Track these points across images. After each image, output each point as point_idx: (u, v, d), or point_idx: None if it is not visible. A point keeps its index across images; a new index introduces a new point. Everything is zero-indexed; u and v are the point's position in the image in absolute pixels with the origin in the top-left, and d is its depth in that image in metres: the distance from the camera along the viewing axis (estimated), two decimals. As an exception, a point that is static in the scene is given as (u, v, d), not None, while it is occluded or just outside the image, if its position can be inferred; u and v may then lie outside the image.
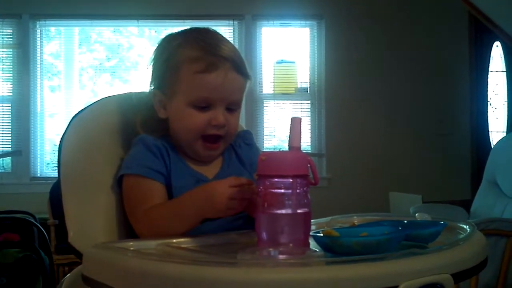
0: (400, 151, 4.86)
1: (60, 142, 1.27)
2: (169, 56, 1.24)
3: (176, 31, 1.30)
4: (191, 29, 1.30)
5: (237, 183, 1.05)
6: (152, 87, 1.28)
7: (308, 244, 0.92)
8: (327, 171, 4.78)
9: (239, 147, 1.35)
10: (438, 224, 1.02)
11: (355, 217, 1.28)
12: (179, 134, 1.25)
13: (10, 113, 4.65)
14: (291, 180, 0.91)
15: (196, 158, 1.27)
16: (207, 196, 1.07)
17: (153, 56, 1.29)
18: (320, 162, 4.85)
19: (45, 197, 3.55)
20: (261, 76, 4.86)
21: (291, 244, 0.90)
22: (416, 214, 1.17)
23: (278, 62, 4.88)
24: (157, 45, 1.30)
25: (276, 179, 0.92)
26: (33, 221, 3.62)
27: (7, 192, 4.43)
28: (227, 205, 1.04)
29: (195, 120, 1.21)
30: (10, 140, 4.64)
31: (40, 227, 3.51)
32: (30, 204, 4.05)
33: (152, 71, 1.28)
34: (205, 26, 1.30)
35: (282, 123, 4.92)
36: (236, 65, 1.22)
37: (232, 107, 1.24)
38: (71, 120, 1.30)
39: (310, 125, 4.89)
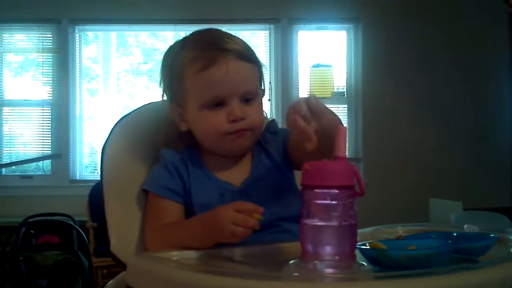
0: (440, 156, 4.77)
1: (102, 149, 1.27)
2: (171, 64, 1.21)
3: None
4: (191, 33, 1.24)
5: (242, 209, 1.00)
6: (166, 101, 1.25)
7: (355, 257, 0.90)
8: (364, 176, 4.72)
9: (266, 142, 1.28)
10: (489, 237, 0.99)
11: (399, 227, 1.25)
12: (205, 139, 1.21)
13: (50, 116, 4.72)
14: (336, 191, 0.89)
15: (229, 154, 1.22)
16: (213, 220, 1.02)
17: (160, 68, 1.25)
18: (357, 166, 4.79)
19: (84, 200, 3.60)
20: (298, 80, 4.83)
21: (337, 257, 0.88)
22: (465, 226, 1.14)
23: (314, 66, 4.85)
24: (162, 56, 1.26)
25: (321, 190, 0.90)
26: (72, 223, 3.67)
27: (47, 195, 4.50)
28: (231, 230, 0.98)
29: (213, 121, 1.16)
30: (50, 144, 4.72)
31: (79, 229, 3.56)
32: (69, 207, 4.11)
33: (162, 83, 1.25)
34: (211, 27, 1.25)
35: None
36: (239, 54, 1.15)
37: (248, 98, 1.17)
38: (113, 127, 1.30)
39: (347, 129, 4.83)
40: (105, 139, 1.28)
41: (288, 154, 1.26)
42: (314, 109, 1.00)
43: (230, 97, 1.15)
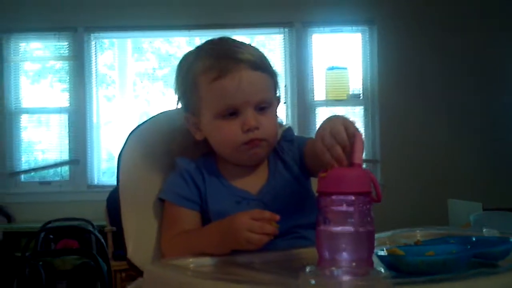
0: (458, 156, 4.73)
1: (118, 157, 1.28)
2: (185, 74, 1.21)
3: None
4: (205, 42, 1.25)
5: (259, 217, 1.00)
6: (181, 109, 1.25)
7: (372, 263, 0.89)
8: (381, 177, 4.70)
9: (282, 151, 1.28)
10: (508, 241, 0.98)
11: (417, 231, 1.24)
12: (220, 148, 1.21)
13: (67, 123, 4.76)
14: (353, 198, 0.89)
15: (245, 164, 1.22)
16: (229, 227, 1.02)
17: (174, 77, 1.25)
18: (375, 168, 4.78)
19: (102, 205, 3.62)
20: (313, 83, 4.82)
21: (354, 263, 0.88)
22: (484, 230, 1.13)
23: (329, 69, 4.84)
24: (177, 65, 1.26)
25: (337, 196, 0.89)
26: (90, 228, 3.70)
27: (66, 200, 4.54)
28: (247, 237, 0.99)
29: (227, 131, 1.16)
30: (68, 150, 4.75)
31: (98, 234, 3.58)
32: (87, 212, 4.15)
33: (177, 92, 1.25)
34: (223, 36, 1.25)
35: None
36: (252, 63, 1.15)
37: (262, 107, 1.17)
38: (128, 136, 1.30)
39: (363, 132, 4.82)
40: (121, 148, 1.29)
41: (305, 163, 1.25)
42: (349, 133, 0.96)
43: (244, 106, 1.15)
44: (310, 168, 1.24)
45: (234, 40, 1.22)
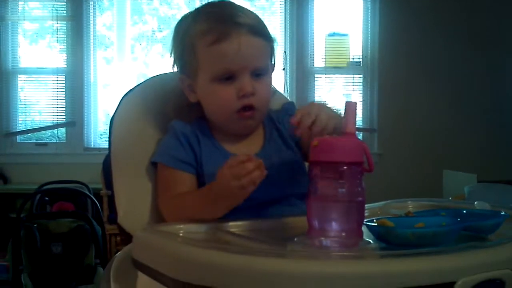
0: (455, 127, 4.72)
1: (110, 121, 1.27)
2: (183, 36, 1.20)
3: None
4: (205, 4, 1.24)
5: (235, 163, 0.99)
6: (178, 71, 1.25)
7: (362, 234, 0.89)
8: (378, 147, 4.70)
9: (281, 122, 1.29)
10: (499, 214, 0.97)
11: (409, 202, 1.24)
12: (213, 115, 1.21)
13: (64, 84, 4.73)
14: (345, 167, 0.88)
15: (236, 133, 1.22)
16: (219, 186, 1.02)
17: (171, 39, 1.24)
18: (372, 137, 4.77)
19: (98, 167, 3.62)
20: (313, 49, 4.78)
21: (343, 234, 0.87)
22: (475, 203, 1.12)
23: (330, 35, 4.79)
24: (174, 27, 1.25)
25: (329, 166, 0.88)
26: (86, 192, 3.70)
27: (62, 162, 4.55)
28: (237, 185, 0.97)
29: (223, 95, 1.16)
30: (64, 111, 4.74)
31: (93, 198, 3.59)
32: (83, 174, 4.16)
33: (173, 54, 1.24)
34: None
35: (333, 97, 4.85)
36: (252, 28, 1.15)
37: (258, 73, 1.17)
38: (121, 99, 1.29)
39: (362, 100, 4.80)
40: (114, 112, 1.28)
41: (300, 145, 1.27)
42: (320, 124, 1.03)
43: (241, 71, 1.15)
44: (303, 151, 1.25)
45: (234, 4, 1.21)
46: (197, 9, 1.23)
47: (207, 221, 1.02)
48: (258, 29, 1.16)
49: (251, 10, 1.21)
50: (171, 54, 1.24)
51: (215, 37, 1.13)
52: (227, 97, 1.16)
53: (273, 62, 1.25)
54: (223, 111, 1.18)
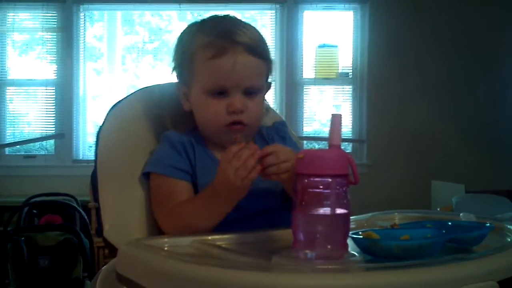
0: (444, 138, 4.74)
1: (97, 133, 1.27)
2: (185, 46, 1.23)
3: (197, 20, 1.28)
4: (209, 17, 1.27)
5: (230, 154, 1.01)
6: (177, 81, 1.27)
7: (347, 246, 0.89)
8: (367, 157, 4.71)
9: (272, 140, 1.30)
10: (484, 226, 0.98)
11: (396, 213, 1.24)
12: (203, 125, 1.23)
13: (54, 96, 4.71)
14: (330, 180, 0.88)
15: (220, 144, 1.22)
16: (220, 179, 1.03)
17: (174, 46, 1.27)
18: (361, 148, 4.79)
19: (87, 180, 3.54)
20: (302, 60, 4.80)
21: (328, 246, 0.87)
22: (461, 214, 1.13)
23: (320, 46, 4.81)
24: (178, 36, 1.27)
25: (314, 178, 0.88)
26: (74, 204, 3.68)
27: (50, 174, 4.51)
28: (236, 177, 1.00)
29: (213, 109, 1.18)
30: (53, 123, 4.71)
31: (81, 211, 3.56)
32: (72, 187, 4.12)
33: (174, 61, 1.26)
34: (227, 13, 1.27)
35: (322, 108, 4.86)
36: (250, 47, 1.17)
37: (251, 91, 1.19)
38: (108, 111, 1.29)
39: (351, 111, 4.82)
40: (100, 124, 1.27)
41: None
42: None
43: (233, 88, 1.17)
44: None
45: (238, 20, 1.24)
46: (203, 21, 1.26)
47: (192, 234, 1.02)
48: (256, 48, 1.18)
49: (254, 27, 1.23)
50: (172, 60, 1.27)
51: (213, 53, 1.16)
52: (217, 111, 1.18)
53: (268, 81, 1.27)
54: (213, 124, 1.20)
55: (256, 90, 1.20)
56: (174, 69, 1.26)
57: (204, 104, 1.19)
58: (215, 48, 1.16)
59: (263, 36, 1.24)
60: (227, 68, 1.15)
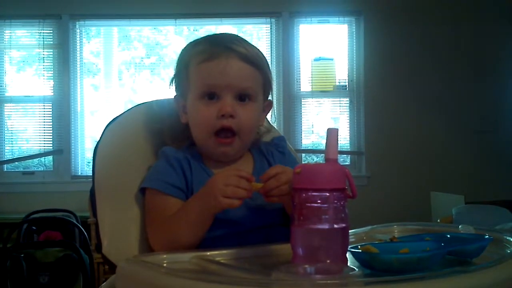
0: (442, 149, 4.75)
1: (94, 150, 1.27)
2: (181, 57, 1.24)
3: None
4: (211, 34, 1.29)
5: (235, 174, 1.03)
6: (175, 92, 1.27)
7: (346, 260, 0.89)
8: (366, 169, 4.71)
9: (271, 155, 1.29)
10: (483, 238, 0.98)
11: (395, 226, 1.24)
12: (195, 134, 1.22)
13: (51, 112, 4.72)
14: (327, 194, 0.88)
15: (213, 158, 1.22)
16: (207, 188, 1.05)
17: (175, 62, 1.27)
18: (359, 160, 4.78)
19: (86, 195, 3.52)
20: (299, 73, 4.81)
21: (328, 261, 0.87)
22: (460, 226, 1.13)
23: (316, 60, 4.82)
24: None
25: (312, 193, 0.89)
26: (73, 220, 3.67)
27: (49, 191, 4.50)
28: (222, 191, 1.01)
29: (203, 114, 1.17)
30: (51, 139, 4.71)
31: (80, 227, 3.55)
32: (71, 202, 4.11)
33: (174, 76, 1.27)
34: (223, 27, 1.29)
35: (320, 120, 4.87)
36: (243, 56, 1.17)
37: (243, 97, 1.18)
38: (105, 128, 1.29)
39: (349, 123, 4.82)
40: (97, 141, 1.27)
41: None
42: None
43: (225, 91, 1.16)
44: None
45: (239, 37, 1.24)
46: (201, 37, 1.26)
47: (191, 250, 1.01)
48: (250, 58, 1.18)
49: (255, 46, 1.23)
50: (174, 79, 1.27)
51: (205, 57, 1.16)
52: (207, 115, 1.17)
53: (267, 96, 1.26)
54: (203, 131, 1.19)
55: (249, 97, 1.19)
56: (172, 80, 1.26)
57: (197, 110, 1.18)
58: (208, 53, 1.16)
59: (262, 52, 1.24)
60: (218, 69, 1.15)
